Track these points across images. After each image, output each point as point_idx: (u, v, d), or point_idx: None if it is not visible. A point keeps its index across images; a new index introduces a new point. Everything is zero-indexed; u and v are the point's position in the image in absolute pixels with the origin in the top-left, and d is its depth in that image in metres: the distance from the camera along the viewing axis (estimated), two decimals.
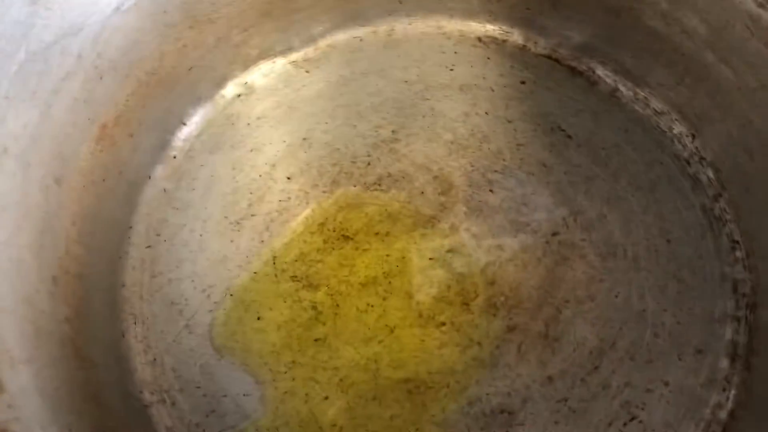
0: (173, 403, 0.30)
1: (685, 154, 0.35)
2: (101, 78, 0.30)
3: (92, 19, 0.29)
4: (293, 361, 0.31)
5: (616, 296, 0.32)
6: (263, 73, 0.37)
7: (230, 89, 0.37)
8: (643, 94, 0.36)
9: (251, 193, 0.35)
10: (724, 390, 0.30)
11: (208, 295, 0.32)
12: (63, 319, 0.26)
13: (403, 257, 0.33)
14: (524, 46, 0.38)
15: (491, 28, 0.38)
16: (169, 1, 0.32)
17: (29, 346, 0.22)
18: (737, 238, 0.32)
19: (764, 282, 0.31)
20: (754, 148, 0.31)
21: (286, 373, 0.31)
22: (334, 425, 0.30)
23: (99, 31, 0.29)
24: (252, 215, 0.34)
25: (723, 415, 0.29)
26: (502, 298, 0.32)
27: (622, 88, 0.36)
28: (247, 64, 0.37)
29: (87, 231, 0.30)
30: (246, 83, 0.37)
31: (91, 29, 0.29)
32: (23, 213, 0.25)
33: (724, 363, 0.30)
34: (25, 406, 0.20)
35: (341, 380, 0.30)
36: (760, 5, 0.29)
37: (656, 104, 0.36)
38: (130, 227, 0.33)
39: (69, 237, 0.28)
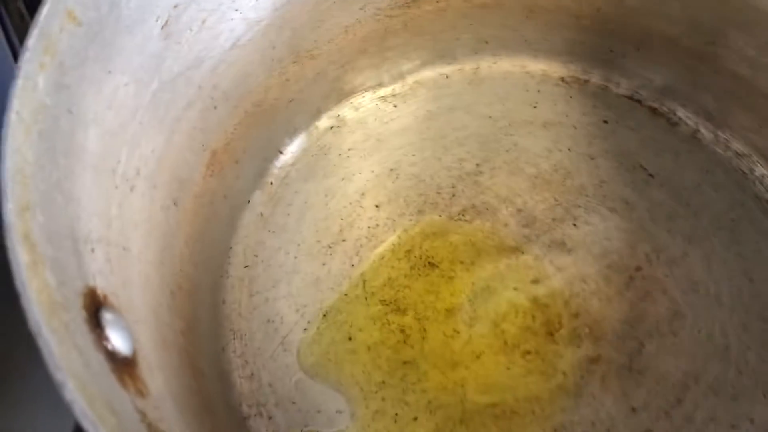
0: (270, 417, 0.31)
1: (767, 195, 0.36)
2: (215, 108, 0.32)
3: (213, 53, 0.31)
4: (383, 382, 0.32)
5: (699, 332, 0.33)
6: (354, 107, 0.39)
7: (324, 121, 0.39)
8: (724, 136, 0.37)
9: (342, 219, 0.36)
10: None
11: (302, 315, 0.34)
12: (179, 331, 0.28)
13: (488, 286, 0.34)
14: (606, 86, 0.39)
15: (573, 68, 0.40)
16: (279, 38, 0.34)
17: (159, 354, 0.24)
18: None
19: None
20: None
21: (376, 393, 0.32)
22: None
23: (217, 64, 0.31)
24: (343, 240, 0.36)
25: None
26: (586, 330, 0.33)
27: (703, 129, 0.38)
28: (340, 98, 0.39)
29: (196, 250, 0.31)
30: (338, 116, 0.39)
31: (211, 62, 0.31)
32: (149, 231, 0.27)
33: None
34: (164, 408, 0.22)
35: (429, 402, 0.32)
36: None
37: (737, 146, 0.37)
38: (231, 248, 0.35)
39: (183, 255, 0.30)
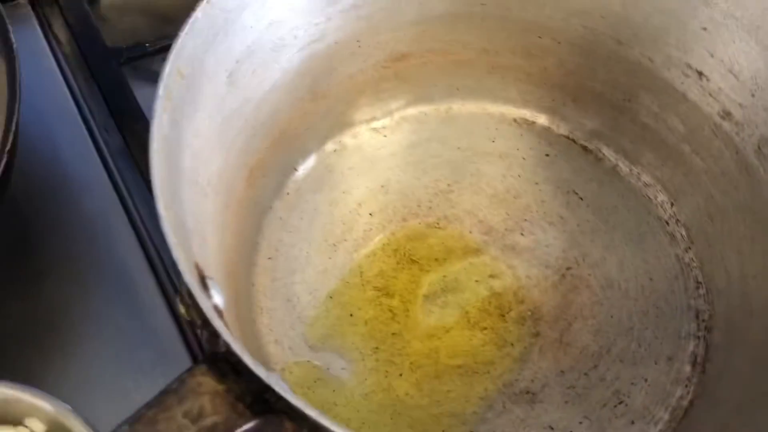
0: (290, 372, 0.41)
1: (665, 216, 0.47)
2: (255, 135, 0.42)
3: (257, 94, 0.41)
4: (377, 348, 0.42)
5: (612, 316, 0.44)
6: (353, 135, 0.49)
7: (330, 146, 0.49)
8: (636, 170, 0.48)
9: (344, 224, 0.46)
10: (686, 386, 0.41)
11: (314, 296, 0.43)
12: (232, 302, 0.37)
13: (456, 278, 0.45)
14: (549, 127, 0.50)
15: (524, 112, 0.51)
16: (302, 82, 0.44)
17: (227, 313, 0.34)
18: (701, 279, 0.44)
19: (718, 311, 0.43)
20: (714, 215, 0.44)
21: (371, 355, 0.42)
22: (407, 394, 0.41)
23: (259, 102, 0.41)
24: (344, 240, 0.46)
25: (684, 403, 0.41)
26: (529, 313, 0.44)
27: (621, 164, 0.49)
28: (343, 128, 0.49)
29: (237, 243, 0.41)
30: (341, 141, 0.49)
31: (255, 101, 0.41)
32: (214, 227, 0.37)
33: (687, 368, 0.42)
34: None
35: (411, 363, 0.42)
36: (722, 117, 0.42)
37: (646, 178, 0.48)
38: (258, 243, 0.45)
39: (229, 246, 0.40)
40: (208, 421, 0.23)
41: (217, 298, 0.30)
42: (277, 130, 0.44)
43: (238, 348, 0.25)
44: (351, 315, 0.43)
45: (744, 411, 0.36)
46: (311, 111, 0.46)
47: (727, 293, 0.42)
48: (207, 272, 0.32)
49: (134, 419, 0.23)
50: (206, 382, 0.24)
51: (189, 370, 0.25)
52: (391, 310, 0.44)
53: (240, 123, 0.40)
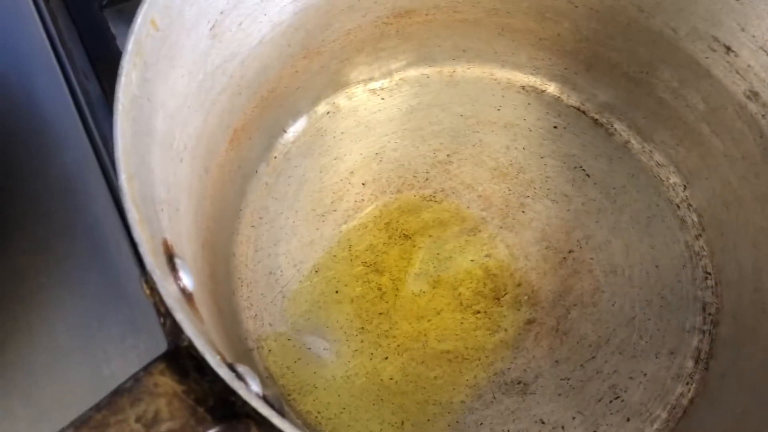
0: (269, 350, 0.39)
1: (677, 200, 0.44)
2: (240, 93, 0.38)
3: (243, 49, 0.37)
4: (362, 328, 0.40)
5: (613, 305, 0.41)
6: (348, 96, 0.46)
7: (322, 107, 0.45)
8: (649, 147, 0.45)
9: (334, 193, 0.43)
10: (687, 383, 0.39)
11: (298, 269, 0.41)
12: (207, 275, 0.35)
13: (450, 256, 0.42)
14: (559, 97, 0.47)
15: (533, 80, 0.47)
16: (294, 37, 0.40)
17: (200, 292, 0.31)
18: (710, 270, 0.42)
19: (726, 306, 0.40)
20: (730, 202, 0.41)
21: (356, 336, 0.39)
22: (391, 379, 0.38)
23: (245, 58, 0.38)
24: (334, 210, 0.43)
25: (684, 401, 0.39)
26: (526, 297, 0.41)
27: (633, 141, 0.46)
28: (337, 88, 0.46)
29: (217, 210, 0.38)
30: (335, 103, 0.46)
31: (241, 56, 0.37)
32: (190, 194, 0.34)
33: (690, 363, 0.40)
34: (211, 334, 0.29)
35: (398, 346, 0.39)
36: (748, 97, 0.38)
37: (659, 158, 0.45)
38: (241, 210, 0.42)
39: (208, 214, 0.37)
40: (164, 427, 0.21)
41: (186, 280, 0.27)
42: (266, 89, 0.41)
43: (200, 344, 0.22)
44: (337, 291, 0.41)
45: (747, 416, 0.34)
46: (303, 69, 0.42)
47: (738, 287, 0.40)
48: (178, 248, 0.29)
49: (81, 422, 0.21)
50: (164, 382, 0.22)
51: (146, 368, 0.22)
52: (379, 288, 0.41)
53: (224, 80, 0.36)
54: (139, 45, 0.28)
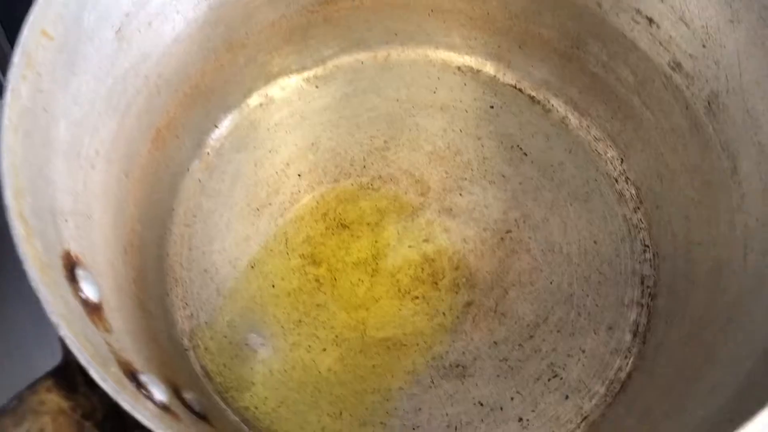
0: (206, 349, 0.39)
1: (615, 174, 0.44)
2: (159, 93, 0.38)
3: (157, 48, 0.37)
4: (300, 321, 0.40)
5: (551, 283, 0.41)
6: (281, 87, 0.46)
7: (254, 99, 0.45)
8: (586, 122, 0.45)
9: (269, 186, 0.43)
10: (625, 357, 0.39)
11: (234, 266, 0.41)
12: (132, 279, 0.35)
13: (388, 244, 0.42)
14: (495, 76, 0.47)
15: (469, 60, 0.47)
16: (213, 32, 0.40)
17: (117, 299, 0.31)
18: (648, 242, 0.42)
19: (663, 278, 0.40)
20: (664, 175, 0.41)
21: (294, 329, 0.39)
22: (329, 370, 0.39)
23: (160, 57, 0.37)
24: (269, 204, 0.43)
25: (622, 375, 0.39)
26: (464, 280, 0.41)
27: (570, 116, 0.45)
28: (269, 79, 0.45)
29: (144, 212, 0.38)
30: (267, 95, 0.45)
31: (156, 56, 0.37)
32: (106, 200, 0.34)
33: (628, 337, 0.40)
34: (124, 341, 0.29)
35: (336, 336, 0.39)
36: (672, 68, 0.38)
37: (595, 132, 0.45)
38: (173, 209, 0.41)
39: (132, 216, 0.37)
40: None
41: (90, 291, 0.27)
42: (188, 86, 0.40)
43: (84, 358, 0.22)
44: (273, 286, 0.41)
45: (674, 388, 0.34)
46: (228, 63, 0.42)
47: (673, 259, 0.40)
48: (87, 257, 0.29)
49: None
50: (49, 400, 0.22)
51: (31, 386, 0.22)
52: (317, 280, 0.41)
53: (138, 82, 0.36)
54: (28, 57, 0.28)
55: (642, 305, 0.40)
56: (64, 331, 0.22)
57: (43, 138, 0.28)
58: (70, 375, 0.23)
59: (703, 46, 0.36)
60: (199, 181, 0.43)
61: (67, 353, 0.23)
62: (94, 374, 0.22)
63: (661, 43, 0.38)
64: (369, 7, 0.44)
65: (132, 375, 0.26)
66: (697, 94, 0.37)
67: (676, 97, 0.38)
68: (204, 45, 0.40)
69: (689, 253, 0.38)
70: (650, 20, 0.38)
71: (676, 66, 0.38)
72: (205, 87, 0.41)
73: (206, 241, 0.41)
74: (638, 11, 0.38)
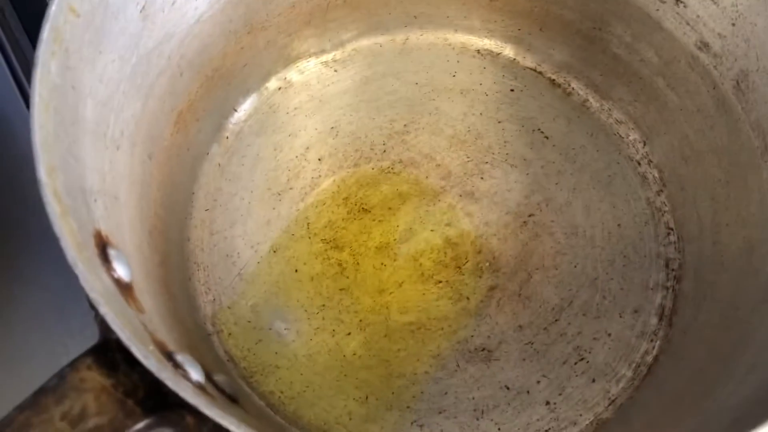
0: (229, 334, 0.38)
1: (637, 157, 0.44)
2: (181, 74, 0.37)
3: (180, 28, 0.36)
4: (323, 305, 0.39)
5: (575, 266, 0.41)
6: (300, 71, 0.45)
7: (273, 83, 0.44)
8: (607, 105, 0.45)
9: (289, 170, 0.43)
10: (651, 341, 0.39)
11: (256, 251, 0.40)
12: (157, 263, 0.34)
13: (410, 228, 0.42)
14: (514, 59, 0.46)
15: (488, 43, 0.46)
16: (235, 13, 0.39)
17: (145, 281, 0.31)
18: (672, 225, 0.41)
19: (689, 261, 0.40)
20: (689, 156, 0.40)
21: (317, 314, 0.39)
22: (354, 354, 0.38)
23: (183, 38, 0.37)
24: (290, 188, 0.42)
25: (649, 359, 0.38)
26: (487, 264, 0.41)
27: (591, 99, 0.45)
28: (288, 62, 0.45)
29: (166, 196, 0.37)
30: (286, 78, 0.45)
31: (179, 36, 0.36)
32: (131, 181, 0.33)
33: (654, 321, 0.39)
34: (154, 322, 0.28)
35: (360, 321, 0.39)
36: (699, 48, 0.38)
37: (617, 115, 0.44)
38: (193, 193, 0.41)
39: (156, 201, 0.36)
40: (91, 423, 0.20)
41: (122, 271, 0.27)
42: (210, 68, 0.40)
43: (126, 336, 0.21)
44: (296, 270, 0.40)
45: (706, 370, 0.34)
46: (249, 45, 0.41)
47: (699, 242, 0.39)
48: (116, 238, 0.29)
49: (2, 425, 0.20)
50: (91, 378, 0.21)
51: (71, 364, 0.22)
52: (340, 264, 0.41)
53: (162, 62, 0.36)
54: (56, 32, 0.27)
55: (667, 288, 0.40)
56: (104, 309, 0.22)
57: (72, 116, 0.28)
58: (109, 353, 0.22)
59: (733, 24, 0.35)
60: (219, 165, 0.42)
61: (106, 331, 0.23)
62: (136, 352, 0.21)
63: (687, 23, 0.38)
64: None
65: (168, 355, 0.25)
66: (725, 73, 0.37)
67: (702, 78, 0.38)
68: (225, 26, 0.39)
69: (717, 235, 0.38)
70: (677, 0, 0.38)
71: (704, 46, 0.37)
72: (225, 70, 0.41)
73: (227, 226, 0.41)
74: None
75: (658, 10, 0.39)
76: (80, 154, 0.28)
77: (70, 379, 0.21)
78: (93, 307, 0.24)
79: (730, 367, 0.31)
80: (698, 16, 0.37)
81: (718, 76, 0.37)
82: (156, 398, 0.22)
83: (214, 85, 0.41)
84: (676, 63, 0.39)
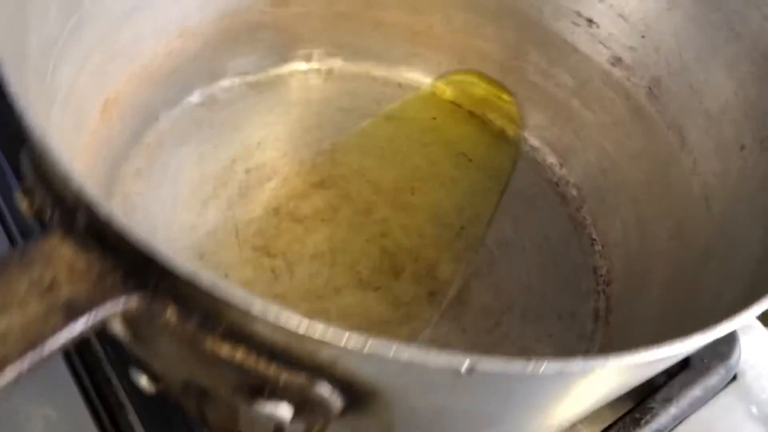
0: None
1: (555, 179, 0.46)
2: (113, 59, 0.36)
3: (116, 11, 0.35)
4: None
5: (510, 274, 0.41)
6: (224, 89, 0.44)
7: (196, 98, 0.43)
8: (524, 134, 0.47)
9: (215, 179, 0.41)
10: (591, 340, 0.39)
11: (182, 256, 0.37)
12: None
13: (345, 238, 0.40)
14: (434, 92, 0.48)
15: (409, 77, 0.48)
16: (169, 12, 0.38)
17: None
18: (595, 236, 0.43)
19: (615, 265, 0.41)
20: (607, 168, 0.43)
21: None
22: None
23: (118, 22, 0.35)
24: (217, 197, 0.40)
25: None
26: (424, 272, 0.40)
27: (507, 129, 0.47)
28: (213, 79, 0.44)
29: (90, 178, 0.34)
30: (210, 95, 0.44)
31: (115, 18, 0.35)
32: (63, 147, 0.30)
33: (590, 323, 0.40)
34: None
35: None
36: (612, 63, 0.41)
37: (533, 142, 0.47)
38: (112, 193, 0.38)
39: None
40: (62, 294, 0.17)
41: None
42: (138, 64, 0.38)
43: (103, 210, 0.18)
44: (226, 275, 0.37)
45: (665, 319, 0.34)
46: (178, 51, 0.40)
47: (625, 244, 0.41)
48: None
49: None
50: (63, 252, 0.18)
51: (37, 238, 0.18)
52: (273, 271, 0.38)
53: (97, 37, 0.34)
54: None
55: (598, 292, 0.41)
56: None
57: (18, 44, 0.25)
58: (78, 238, 0.19)
59: (642, 36, 0.39)
60: (139, 169, 0.39)
61: (68, 225, 0.20)
62: (119, 226, 0.18)
63: (600, 42, 0.41)
64: (318, 15, 0.45)
65: None
66: (638, 83, 0.40)
67: (616, 91, 0.41)
68: (159, 23, 0.38)
69: (644, 231, 0.39)
70: (590, 21, 0.41)
71: (616, 61, 0.41)
72: (152, 71, 0.39)
73: (150, 231, 0.37)
74: (578, 14, 0.42)
75: (573, 33, 0.42)
76: (27, 84, 0.25)
77: (40, 248, 0.17)
78: (45, 212, 0.21)
79: (690, 308, 0.32)
80: (610, 34, 0.41)
81: (631, 87, 0.41)
82: (136, 278, 0.19)
83: (140, 84, 0.39)
84: (590, 82, 0.43)
